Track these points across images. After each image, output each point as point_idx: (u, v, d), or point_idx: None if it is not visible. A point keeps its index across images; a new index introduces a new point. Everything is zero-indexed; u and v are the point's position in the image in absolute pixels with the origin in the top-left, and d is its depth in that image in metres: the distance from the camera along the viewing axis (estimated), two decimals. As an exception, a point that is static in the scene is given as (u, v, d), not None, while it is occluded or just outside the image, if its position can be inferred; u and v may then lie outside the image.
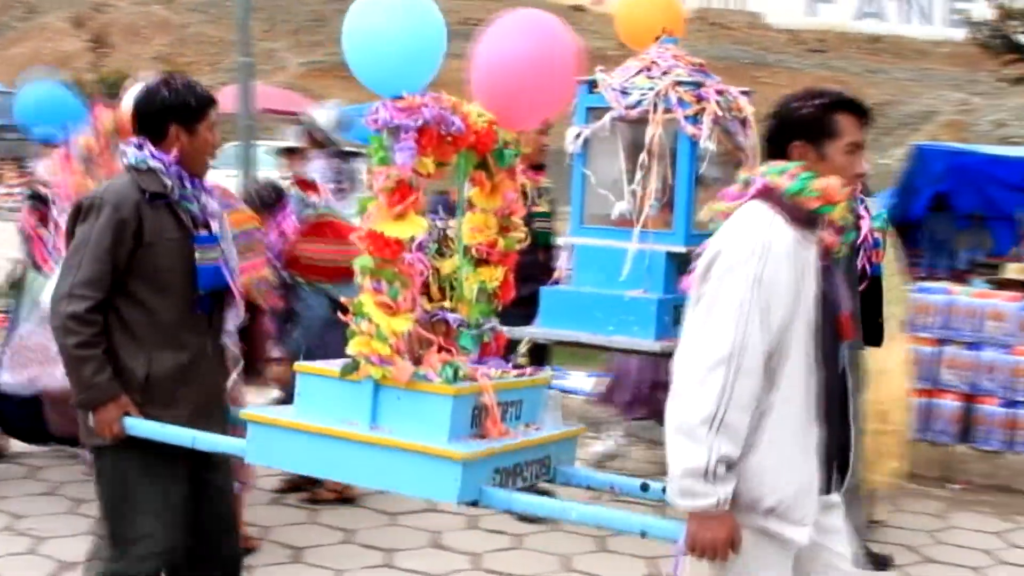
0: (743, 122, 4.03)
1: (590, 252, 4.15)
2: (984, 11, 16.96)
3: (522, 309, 4.84)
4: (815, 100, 2.27)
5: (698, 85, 3.90)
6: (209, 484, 3.02)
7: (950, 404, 5.66)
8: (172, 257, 2.87)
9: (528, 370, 2.81)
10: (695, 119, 3.85)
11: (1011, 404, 5.47)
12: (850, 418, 2.34)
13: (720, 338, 2.14)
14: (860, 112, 2.28)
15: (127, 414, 2.82)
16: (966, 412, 5.67)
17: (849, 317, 2.30)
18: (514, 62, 2.62)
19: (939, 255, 7.31)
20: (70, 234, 2.90)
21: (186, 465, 2.92)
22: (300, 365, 2.68)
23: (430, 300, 2.69)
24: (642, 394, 5.46)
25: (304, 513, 4.82)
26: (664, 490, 2.61)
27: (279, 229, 4.61)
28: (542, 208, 5.17)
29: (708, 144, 3.82)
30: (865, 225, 4.12)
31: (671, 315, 3.96)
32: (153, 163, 2.87)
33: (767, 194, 2.26)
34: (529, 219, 4.79)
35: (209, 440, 2.84)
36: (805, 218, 2.22)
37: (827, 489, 2.33)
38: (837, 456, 2.31)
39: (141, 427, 2.84)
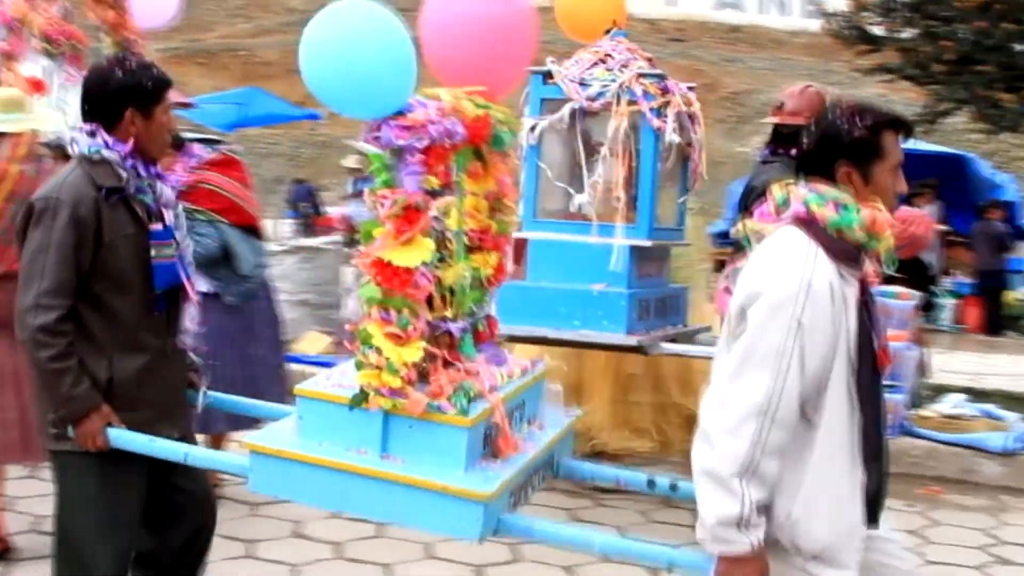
0: (691, 116, 4.04)
1: (546, 246, 4.08)
2: (838, 2, 17.48)
3: None
4: (864, 120, 2.16)
5: (662, 77, 3.86)
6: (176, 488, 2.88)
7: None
8: (129, 255, 2.69)
9: (527, 364, 2.72)
10: (659, 112, 3.81)
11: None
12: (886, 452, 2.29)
13: (756, 387, 2.06)
14: (905, 130, 2.21)
15: (109, 424, 2.67)
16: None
17: (885, 349, 2.24)
18: (467, 24, 2.44)
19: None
20: (22, 238, 2.68)
21: (148, 466, 2.78)
22: (302, 389, 2.53)
23: (432, 310, 2.53)
24: None
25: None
26: (672, 487, 2.62)
27: (185, 165, 4.55)
28: None
29: (673, 137, 3.79)
30: None
31: (638, 309, 3.94)
32: (108, 153, 2.67)
33: (807, 223, 2.16)
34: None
35: (204, 456, 2.71)
36: (849, 254, 2.14)
37: (871, 523, 2.24)
38: (878, 491, 2.24)
39: (128, 440, 2.67)
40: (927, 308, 6.21)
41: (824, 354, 2.08)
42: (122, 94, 2.69)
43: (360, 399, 2.42)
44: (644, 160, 3.87)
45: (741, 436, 2.06)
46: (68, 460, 2.71)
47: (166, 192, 2.80)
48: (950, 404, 6.33)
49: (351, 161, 13.31)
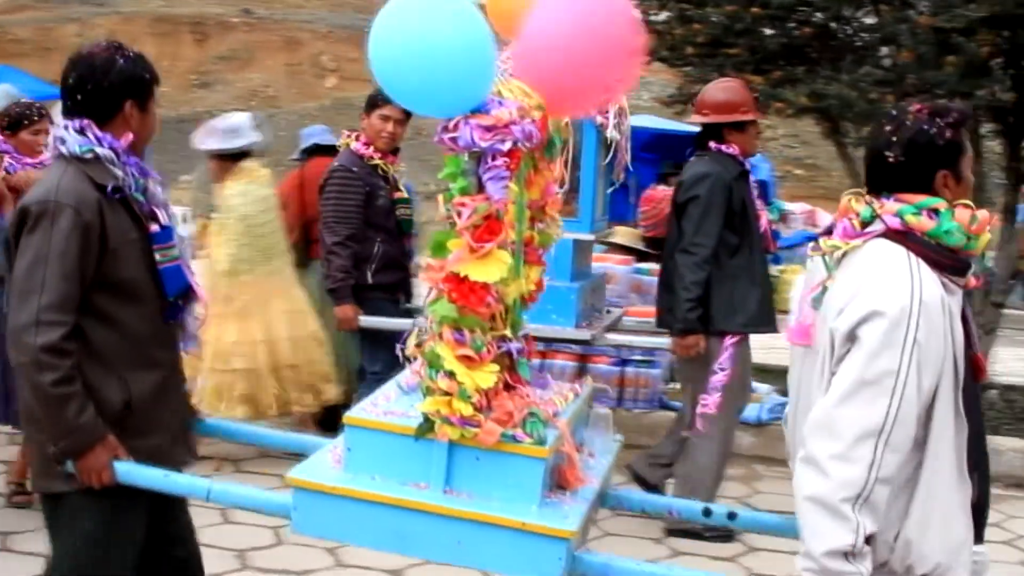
0: (621, 109, 3.98)
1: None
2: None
3: (388, 295, 4.54)
4: (947, 119, 2.11)
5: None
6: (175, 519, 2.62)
7: (564, 363, 5.66)
8: (135, 261, 2.41)
9: (577, 386, 2.55)
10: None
11: (622, 363, 5.58)
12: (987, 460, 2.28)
13: (871, 409, 1.99)
14: (969, 122, 2.20)
15: (116, 457, 2.35)
16: (579, 371, 5.69)
17: (981, 356, 2.24)
18: (571, 42, 2.20)
19: (559, 221, 7.32)
20: (13, 246, 2.33)
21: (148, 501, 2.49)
22: (351, 417, 2.25)
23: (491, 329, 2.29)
24: None
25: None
26: (730, 515, 2.54)
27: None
28: (403, 195, 4.80)
29: (614, 133, 3.72)
30: (764, 217, 4.26)
31: (582, 302, 3.89)
32: (102, 150, 2.36)
33: (904, 236, 2.08)
34: (392, 206, 4.55)
35: (234, 493, 2.40)
36: (954, 263, 2.09)
37: (978, 538, 2.23)
38: (980, 502, 2.21)
39: (139, 475, 2.34)
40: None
41: (936, 369, 2.04)
42: (123, 86, 2.38)
43: (426, 428, 2.18)
44: (586, 155, 3.79)
45: (856, 461, 1.99)
46: (72, 503, 2.36)
47: (157, 191, 2.47)
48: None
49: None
